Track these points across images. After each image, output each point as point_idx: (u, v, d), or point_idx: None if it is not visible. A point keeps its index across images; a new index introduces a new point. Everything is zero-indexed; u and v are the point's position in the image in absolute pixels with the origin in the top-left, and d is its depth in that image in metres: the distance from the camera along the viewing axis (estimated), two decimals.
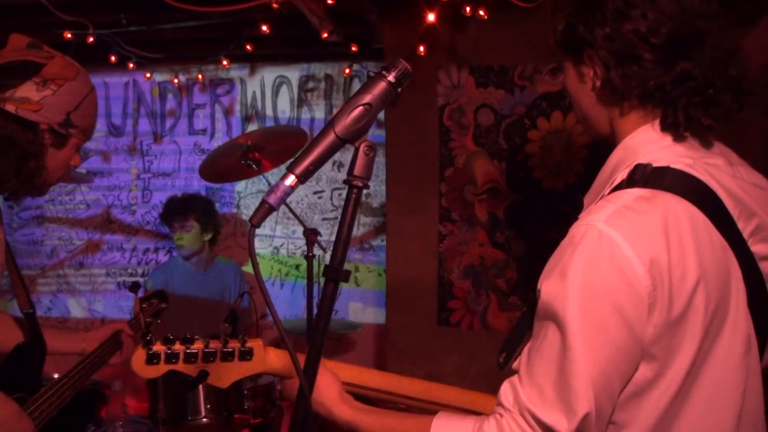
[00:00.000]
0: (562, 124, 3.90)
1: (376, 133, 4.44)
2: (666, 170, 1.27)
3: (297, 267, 5.34)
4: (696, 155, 1.30)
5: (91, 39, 4.03)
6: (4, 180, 2.02)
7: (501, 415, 1.26)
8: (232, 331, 1.66)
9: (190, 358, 1.62)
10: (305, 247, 3.28)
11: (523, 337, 1.33)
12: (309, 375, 1.30)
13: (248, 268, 5.18)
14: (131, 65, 4.86)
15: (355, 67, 5.05)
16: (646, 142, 1.32)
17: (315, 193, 5.28)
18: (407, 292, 4.17)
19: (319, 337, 1.29)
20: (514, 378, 1.28)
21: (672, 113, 1.29)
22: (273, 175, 4.67)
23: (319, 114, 5.29)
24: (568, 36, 1.36)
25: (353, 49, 4.52)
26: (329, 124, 1.27)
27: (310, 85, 5.30)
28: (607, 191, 1.33)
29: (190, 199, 4.61)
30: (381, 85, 1.28)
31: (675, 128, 1.30)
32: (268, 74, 5.34)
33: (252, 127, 5.35)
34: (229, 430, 3.23)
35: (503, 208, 4.03)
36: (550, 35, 1.41)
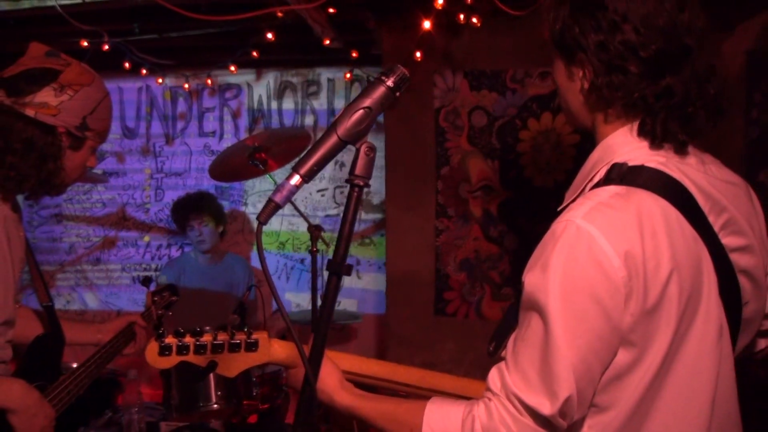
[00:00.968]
0: (552, 125, 3.90)
1: (375, 135, 4.44)
2: (641, 169, 1.27)
3: (302, 261, 5.34)
4: (669, 155, 1.31)
5: (106, 47, 4.03)
6: (25, 180, 2.03)
7: (489, 399, 1.27)
8: (240, 322, 1.67)
9: (199, 349, 1.62)
10: (309, 243, 3.28)
11: (511, 327, 1.33)
12: (314, 362, 1.30)
13: (255, 263, 5.19)
14: (144, 71, 4.87)
15: (356, 71, 5.04)
16: (624, 143, 1.32)
17: (318, 191, 5.28)
18: (406, 284, 4.17)
19: (323, 327, 1.29)
20: (502, 364, 1.29)
21: (650, 122, 1.30)
22: (278, 174, 4.69)
23: (322, 116, 5.28)
24: (563, 35, 1.35)
25: (353, 55, 4.52)
26: (332, 127, 1.27)
27: (313, 89, 5.29)
28: (587, 188, 1.34)
29: (201, 197, 4.61)
30: (380, 90, 1.28)
31: (651, 136, 1.30)
32: (273, 79, 5.33)
33: (258, 129, 5.35)
34: (238, 415, 3.23)
35: (496, 204, 4.03)
36: (545, 30, 1.40)
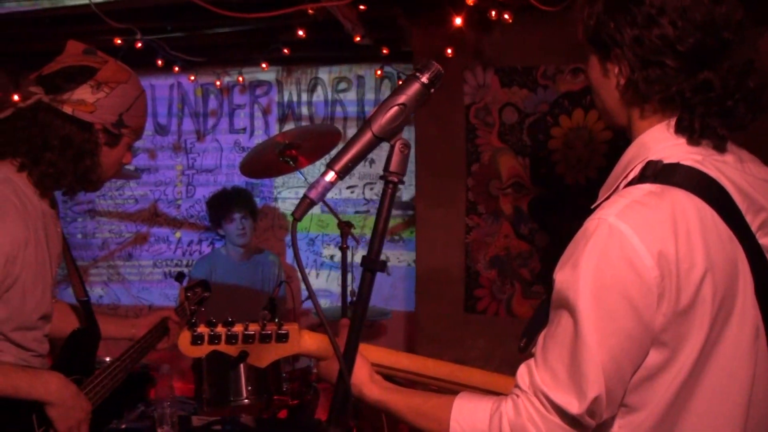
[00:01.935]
0: (584, 122, 3.88)
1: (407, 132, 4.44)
2: (676, 167, 1.26)
3: (332, 257, 5.36)
4: (706, 153, 1.29)
5: (139, 44, 4.08)
6: (62, 177, 2.06)
7: (517, 396, 1.28)
8: (271, 317, 1.69)
9: (231, 339, 1.65)
10: (339, 239, 3.30)
11: (542, 324, 1.33)
12: (348, 358, 1.31)
13: (285, 259, 5.22)
14: (176, 68, 4.93)
15: (386, 68, 5.04)
16: (660, 140, 1.31)
17: (348, 187, 5.30)
18: (436, 281, 4.17)
19: (357, 323, 1.30)
20: (531, 361, 1.29)
21: (688, 118, 1.28)
22: (309, 171, 4.71)
23: (352, 113, 5.28)
24: (597, 32, 1.33)
25: (384, 51, 4.51)
26: (366, 124, 1.28)
27: (343, 85, 5.31)
28: (621, 185, 1.33)
29: (239, 192, 4.64)
30: (415, 86, 1.28)
31: (690, 132, 1.28)
32: (304, 76, 5.36)
33: (288, 125, 5.37)
34: (268, 410, 3.26)
35: (527, 201, 4.01)
36: (578, 27, 1.39)
